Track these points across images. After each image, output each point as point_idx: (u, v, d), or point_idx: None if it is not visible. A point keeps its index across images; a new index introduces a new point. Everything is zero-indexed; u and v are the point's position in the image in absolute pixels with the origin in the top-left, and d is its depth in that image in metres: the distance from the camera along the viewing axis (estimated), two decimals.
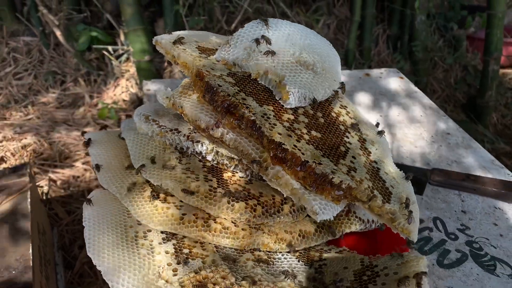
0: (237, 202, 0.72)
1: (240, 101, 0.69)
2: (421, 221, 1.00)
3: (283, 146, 0.65)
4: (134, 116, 0.84)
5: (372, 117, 1.35)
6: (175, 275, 0.64)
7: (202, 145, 0.78)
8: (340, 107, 0.81)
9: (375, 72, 1.62)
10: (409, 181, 0.76)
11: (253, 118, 0.67)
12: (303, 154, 0.65)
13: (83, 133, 0.90)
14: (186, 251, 0.70)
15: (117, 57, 3.00)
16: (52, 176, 2.09)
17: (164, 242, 0.70)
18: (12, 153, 2.32)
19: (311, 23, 3.31)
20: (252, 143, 0.70)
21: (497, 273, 0.88)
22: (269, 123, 0.68)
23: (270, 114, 0.70)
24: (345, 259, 0.78)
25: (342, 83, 0.78)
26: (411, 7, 3.13)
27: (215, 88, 0.70)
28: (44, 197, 1.90)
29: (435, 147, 1.23)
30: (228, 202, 0.72)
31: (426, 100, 1.45)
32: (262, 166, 0.69)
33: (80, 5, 3.16)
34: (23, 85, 3.01)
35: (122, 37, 3.09)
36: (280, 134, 0.67)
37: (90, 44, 3.03)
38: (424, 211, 1.02)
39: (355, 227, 0.80)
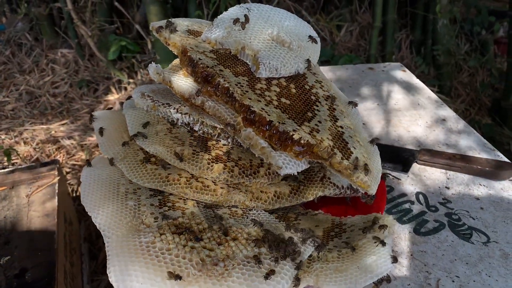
0: (216, 163, 0.81)
1: (217, 72, 0.78)
2: (404, 195, 1.05)
3: (251, 108, 0.74)
4: (133, 94, 0.95)
5: (369, 106, 1.41)
6: (155, 221, 0.73)
7: (189, 117, 0.87)
8: (315, 82, 0.88)
9: (379, 66, 1.67)
10: (374, 145, 0.83)
11: (227, 85, 0.76)
12: (269, 115, 0.73)
13: (92, 114, 1.02)
14: (169, 204, 0.78)
15: (146, 66, 3.18)
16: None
17: (150, 197, 0.80)
18: (47, 155, 2.50)
19: (331, 29, 3.39)
20: (228, 110, 0.79)
21: (472, 241, 0.92)
22: (242, 90, 0.77)
23: (243, 83, 0.78)
24: (318, 219, 0.85)
25: (307, 60, 0.85)
26: (433, 11, 3.16)
27: (195, 61, 0.80)
28: (74, 194, 2.04)
29: (428, 132, 1.27)
30: (208, 163, 0.80)
31: (427, 90, 1.49)
32: (236, 129, 0.77)
33: (112, 16, 3.37)
34: (59, 93, 3.23)
35: (149, 46, 3.27)
36: (250, 99, 0.75)
37: (120, 53, 3.22)
38: (408, 187, 1.07)
39: (329, 191, 0.86)
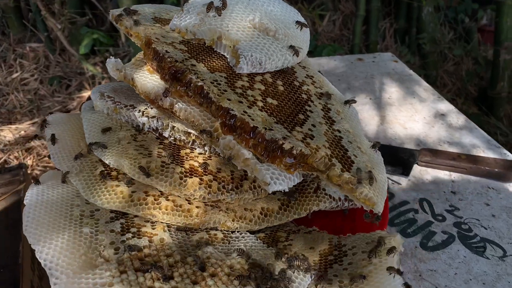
0: (190, 177, 0.67)
1: (189, 67, 0.65)
2: (406, 202, 0.93)
3: (231, 111, 0.60)
4: (91, 94, 0.80)
5: (361, 101, 1.29)
6: (116, 253, 0.59)
7: (157, 121, 0.73)
8: (305, 77, 0.75)
9: (368, 56, 1.55)
10: (377, 151, 0.70)
11: (200, 83, 0.62)
12: (252, 120, 0.60)
13: (45, 119, 0.87)
14: (134, 229, 0.65)
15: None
16: None
17: (111, 221, 0.66)
18: (15, 157, 2.32)
19: (314, 19, 3.26)
20: (203, 113, 0.65)
21: (486, 255, 0.81)
22: (219, 89, 0.63)
23: (221, 81, 0.65)
24: (313, 239, 0.73)
25: (291, 46, 0.71)
26: None
27: (161, 55, 0.65)
28: None
29: (426, 128, 1.16)
30: (180, 178, 0.67)
31: (421, 82, 1.38)
32: (213, 137, 0.64)
33: (83, 8, 3.18)
34: (29, 90, 3.03)
35: (123, 39, 3.09)
36: (229, 100, 0.62)
37: (93, 47, 3.03)
38: (410, 193, 0.95)
39: (324, 205, 0.74)
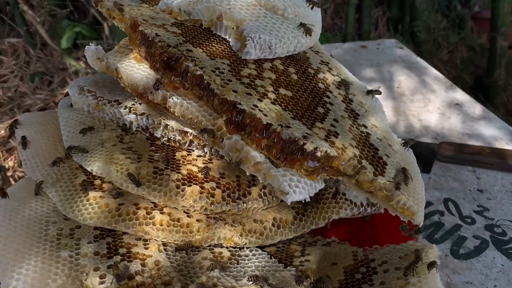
0: (189, 186, 0.56)
1: (184, 53, 0.53)
2: (430, 203, 0.83)
3: (238, 106, 0.49)
4: (69, 89, 0.68)
5: None
6: (101, 282, 0.48)
7: (148, 119, 0.62)
8: (320, 63, 0.64)
9: (372, 43, 1.45)
10: (409, 149, 0.60)
11: (199, 72, 0.51)
12: (265, 116, 0.49)
13: (16, 119, 0.74)
14: (123, 250, 0.53)
15: None
16: None
17: (95, 241, 0.54)
18: None
19: None
20: (203, 108, 0.54)
21: None
22: (222, 79, 0.52)
23: (224, 69, 0.54)
24: (333, 253, 0.62)
25: (302, 24, 0.60)
26: None
27: (150, 39, 0.54)
28: None
29: (443, 120, 1.06)
30: (177, 187, 0.56)
31: (430, 69, 1.28)
32: (216, 136, 0.52)
33: (64, 0, 3.02)
34: (9, 87, 2.87)
35: (107, 32, 2.94)
36: (235, 92, 0.51)
37: (75, 41, 2.88)
38: (432, 192, 0.85)
39: (345, 212, 0.63)
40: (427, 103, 1.13)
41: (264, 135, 0.49)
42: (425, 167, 0.90)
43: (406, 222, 0.53)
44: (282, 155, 0.49)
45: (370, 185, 0.50)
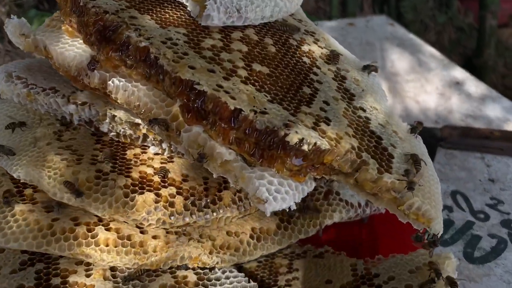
0: (141, 193, 0.43)
1: (126, 20, 0.40)
2: None
3: (197, 87, 0.36)
4: None
5: None
6: None
7: (90, 109, 0.49)
8: (304, 33, 0.52)
9: (360, 21, 1.33)
10: (419, 137, 0.48)
11: (144, 44, 0.38)
12: (233, 99, 0.36)
13: None
14: (56, 281, 0.41)
15: None
16: None
17: (21, 269, 0.42)
18: None
19: None
20: (153, 92, 0.41)
21: None
22: (174, 52, 0.39)
23: (178, 39, 0.41)
24: (327, 266, 0.51)
25: None
26: None
27: (82, 4, 0.41)
28: None
29: (443, 101, 0.95)
30: (126, 195, 0.43)
31: (425, 46, 1.17)
32: (171, 129, 0.40)
33: None
34: None
35: None
36: (192, 68, 0.38)
37: None
38: None
39: (340, 215, 0.52)
40: (424, 83, 1.02)
41: (233, 124, 0.37)
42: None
43: (421, 231, 0.41)
44: (257, 151, 0.37)
45: (374, 186, 0.38)
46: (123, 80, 0.43)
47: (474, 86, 1.00)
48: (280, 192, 0.38)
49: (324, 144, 0.37)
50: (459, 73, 1.05)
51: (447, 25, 2.93)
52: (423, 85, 1.02)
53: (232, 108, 0.36)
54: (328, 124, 0.40)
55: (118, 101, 0.43)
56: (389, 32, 1.26)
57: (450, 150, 0.82)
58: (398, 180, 0.39)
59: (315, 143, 0.36)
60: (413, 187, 0.38)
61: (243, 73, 0.41)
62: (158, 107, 0.41)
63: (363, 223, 0.60)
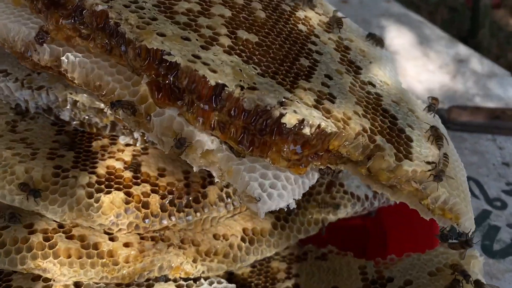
0: (108, 193, 0.36)
1: None
2: None
3: (167, 58, 0.28)
4: None
5: None
6: None
7: (48, 94, 0.41)
8: None
9: None
10: (436, 116, 0.41)
11: (101, 8, 0.30)
12: (213, 72, 0.29)
13: None
14: None
15: None
16: None
17: None
18: None
19: None
20: (116, 69, 0.33)
21: None
22: (140, 17, 0.31)
23: (145, 2, 0.33)
24: (332, 270, 0.44)
25: None
26: None
27: None
28: None
29: (447, 79, 0.88)
30: (90, 196, 0.36)
31: (424, 22, 1.10)
32: (139, 113, 0.32)
33: None
34: None
35: None
36: (162, 35, 0.30)
37: None
38: None
39: (345, 210, 0.45)
40: (426, 61, 0.94)
41: (214, 104, 0.29)
42: None
43: (446, 230, 0.34)
44: (246, 137, 0.29)
45: (391, 176, 0.31)
46: (80, 55, 0.35)
47: (480, 63, 0.93)
48: (276, 187, 0.30)
49: (330, 126, 0.29)
50: (462, 49, 0.98)
51: (439, 5, 2.87)
52: (425, 63, 0.94)
53: (213, 83, 0.29)
54: (333, 102, 0.32)
55: (75, 81, 0.35)
56: (385, 9, 1.18)
57: (459, 132, 0.75)
58: (419, 168, 0.31)
59: (319, 125, 0.29)
60: (441, 177, 0.30)
61: (226, 41, 0.33)
62: (123, 86, 0.34)
63: (370, 216, 0.53)
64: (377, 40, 0.46)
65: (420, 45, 1.01)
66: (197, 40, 0.32)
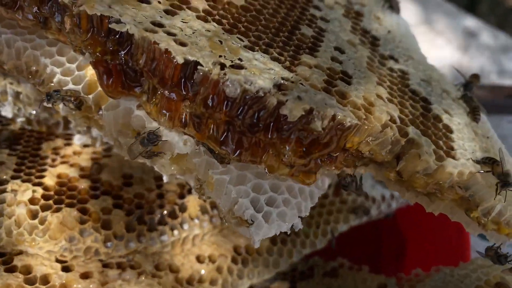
0: (58, 211, 0.27)
1: None
2: None
3: (115, 28, 0.20)
4: None
5: None
6: None
7: None
8: None
9: None
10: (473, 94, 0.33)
11: None
12: (182, 44, 0.20)
13: None
14: None
15: None
16: None
17: None
18: None
19: None
20: (56, 48, 0.25)
21: None
22: None
23: None
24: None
25: None
26: None
27: None
28: None
29: (458, 55, 0.80)
30: (33, 216, 0.27)
31: None
32: (87, 105, 0.23)
33: None
34: None
35: None
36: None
37: None
38: None
39: (358, 216, 0.36)
40: (434, 36, 0.86)
41: (184, 91, 0.20)
42: None
43: (499, 249, 0.26)
44: (231, 136, 0.21)
45: (430, 180, 0.23)
46: (8, 31, 0.26)
47: (493, 36, 0.85)
48: (274, 203, 0.22)
49: (348, 116, 0.21)
50: (471, 22, 0.90)
51: None
52: (433, 38, 0.86)
53: (180, 61, 0.20)
54: (349, 83, 0.23)
55: (5, 66, 0.27)
56: None
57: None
58: (467, 170, 0.23)
59: (334, 116, 0.20)
60: (509, 181, 0.22)
61: (200, 4, 0.24)
62: (65, 71, 0.25)
63: (387, 218, 0.45)
64: (393, 4, 0.38)
65: (426, 18, 0.93)
66: (159, 2, 0.23)
